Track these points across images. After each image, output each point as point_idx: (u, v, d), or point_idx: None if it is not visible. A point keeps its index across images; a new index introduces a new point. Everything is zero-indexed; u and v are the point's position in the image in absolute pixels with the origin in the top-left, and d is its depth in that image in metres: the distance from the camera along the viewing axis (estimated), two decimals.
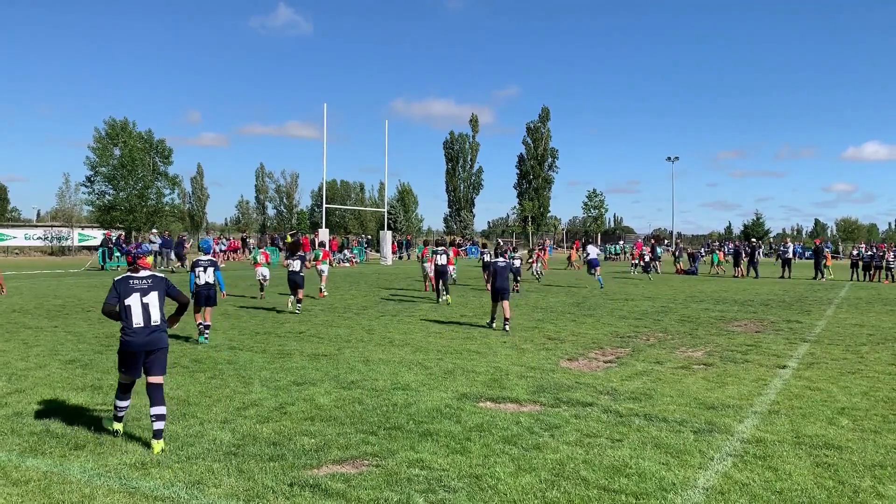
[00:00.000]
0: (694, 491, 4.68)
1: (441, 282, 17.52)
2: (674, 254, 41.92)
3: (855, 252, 31.55)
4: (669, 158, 71.28)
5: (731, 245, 50.79)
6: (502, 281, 12.62)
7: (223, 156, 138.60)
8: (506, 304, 12.58)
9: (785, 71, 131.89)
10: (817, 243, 32.70)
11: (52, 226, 46.57)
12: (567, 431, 6.02)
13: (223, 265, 30.43)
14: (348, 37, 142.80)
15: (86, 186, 45.48)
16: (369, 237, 61.72)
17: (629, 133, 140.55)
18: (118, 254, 31.90)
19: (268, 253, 20.00)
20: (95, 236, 44.18)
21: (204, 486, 4.68)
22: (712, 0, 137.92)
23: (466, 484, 4.74)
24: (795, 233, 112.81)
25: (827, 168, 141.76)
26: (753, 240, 42.76)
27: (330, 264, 22.95)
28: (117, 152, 44.88)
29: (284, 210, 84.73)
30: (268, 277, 18.42)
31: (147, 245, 6.15)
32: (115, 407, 5.76)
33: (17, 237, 44.90)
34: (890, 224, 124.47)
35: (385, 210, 51.33)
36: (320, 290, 18.49)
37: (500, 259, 13.10)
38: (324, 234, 37.85)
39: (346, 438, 5.74)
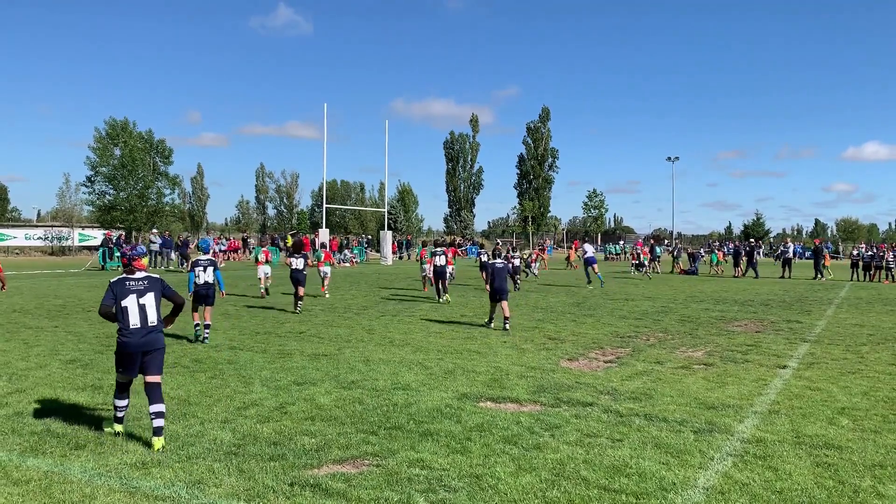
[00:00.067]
0: (694, 491, 4.68)
1: (441, 282, 17.63)
2: (672, 253, 41.94)
3: (855, 252, 31.55)
4: (669, 158, 71.24)
5: (730, 245, 50.80)
6: (500, 281, 12.64)
7: (223, 156, 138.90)
8: (504, 304, 12.60)
9: (785, 71, 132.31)
10: (817, 243, 32.73)
11: (52, 226, 46.52)
12: (567, 431, 6.02)
13: (223, 265, 30.46)
14: (348, 37, 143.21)
15: (86, 186, 45.48)
16: (369, 237, 61.77)
17: (629, 133, 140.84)
18: (118, 254, 31.90)
19: (269, 251, 20.15)
20: (96, 236, 44.16)
21: (204, 485, 4.68)
22: (712, 0, 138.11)
23: (467, 484, 4.74)
24: (795, 233, 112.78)
25: (827, 168, 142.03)
26: (752, 240, 42.79)
27: (332, 265, 23.06)
28: (117, 152, 44.82)
29: (285, 210, 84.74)
30: (269, 275, 18.65)
31: (142, 247, 6.20)
32: (115, 407, 5.82)
33: (18, 237, 44.86)
34: (890, 224, 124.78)
35: (385, 210, 51.31)
36: (322, 285, 18.76)
37: (498, 260, 13.16)
38: (324, 234, 37.85)
39: (347, 438, 5.75)
